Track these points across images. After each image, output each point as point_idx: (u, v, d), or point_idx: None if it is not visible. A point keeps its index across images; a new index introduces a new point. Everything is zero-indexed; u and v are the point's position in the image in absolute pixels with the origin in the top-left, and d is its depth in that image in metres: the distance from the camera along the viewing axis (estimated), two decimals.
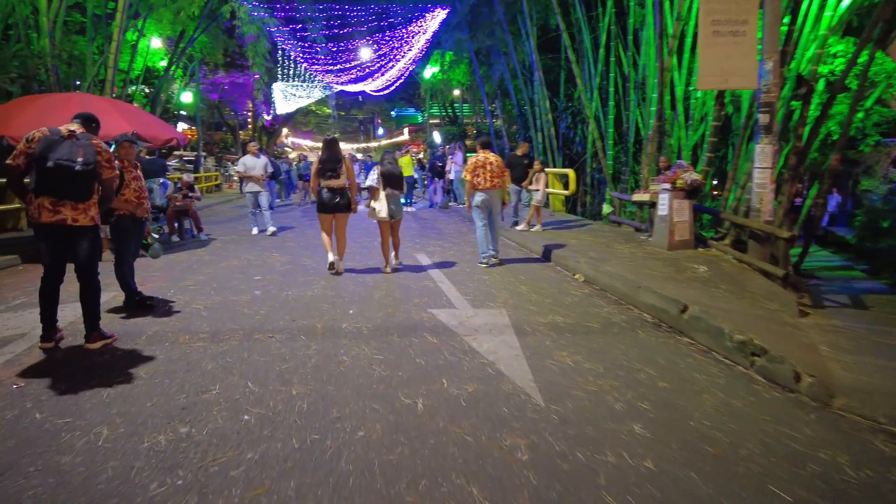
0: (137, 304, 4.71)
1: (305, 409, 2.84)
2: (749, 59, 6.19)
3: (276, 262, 6.91)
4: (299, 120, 45.68)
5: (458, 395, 3.01)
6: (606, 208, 13.29)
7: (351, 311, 4.62)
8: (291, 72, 21.66)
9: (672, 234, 7.02)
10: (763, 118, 6.06)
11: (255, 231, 9.66)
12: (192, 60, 21.49)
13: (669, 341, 4.04)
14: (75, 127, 3.72)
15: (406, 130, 47.00)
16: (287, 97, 26.24)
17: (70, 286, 3.77)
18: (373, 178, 6.33)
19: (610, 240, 8.07)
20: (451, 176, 14.49)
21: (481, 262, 6.65)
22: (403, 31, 18.65)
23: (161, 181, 8.76)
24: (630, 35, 12.06)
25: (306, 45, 20.26)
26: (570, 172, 10.32)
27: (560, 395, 3.02)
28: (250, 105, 33.30)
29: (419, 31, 18.06)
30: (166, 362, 3.46)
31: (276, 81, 23.61)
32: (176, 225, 9.06)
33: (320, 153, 6.20)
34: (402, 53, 20.41)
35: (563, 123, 14.69)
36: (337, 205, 6.00)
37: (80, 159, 3.51)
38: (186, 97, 22.34)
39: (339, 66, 21.53)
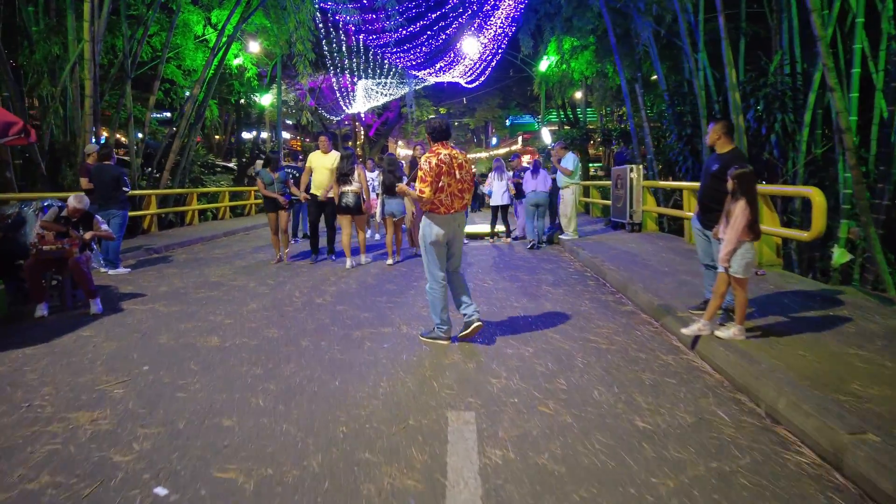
0: None
1: None
2: None
3: (113, 392, 2.83)
4: (410, 130, 43.28)
5: None
6: (840, 256, 7.60)
7: None
8: (343, 46, 18.15)
9: None
10: None
11: None
12: (272, 58, 19.16)
13: None
14: None
15: (520, 139, 42.82)
16: (368, 95, 23.07)
17: None
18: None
19: None
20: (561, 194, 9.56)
21: (432, 337, 4.06)
22: None
23: (42, 205, 5.14)
24: None
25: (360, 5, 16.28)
26: (815, 194, 4.81)
27: None
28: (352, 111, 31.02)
29: None
30: None
31: (314, 60, 20.00)
32: (56, 282, 5.01)
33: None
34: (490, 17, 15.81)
35: (749, 113, 9.14)
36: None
37: None
38: (266, 100, 20.03)
39: (402, 33, 17.50)
